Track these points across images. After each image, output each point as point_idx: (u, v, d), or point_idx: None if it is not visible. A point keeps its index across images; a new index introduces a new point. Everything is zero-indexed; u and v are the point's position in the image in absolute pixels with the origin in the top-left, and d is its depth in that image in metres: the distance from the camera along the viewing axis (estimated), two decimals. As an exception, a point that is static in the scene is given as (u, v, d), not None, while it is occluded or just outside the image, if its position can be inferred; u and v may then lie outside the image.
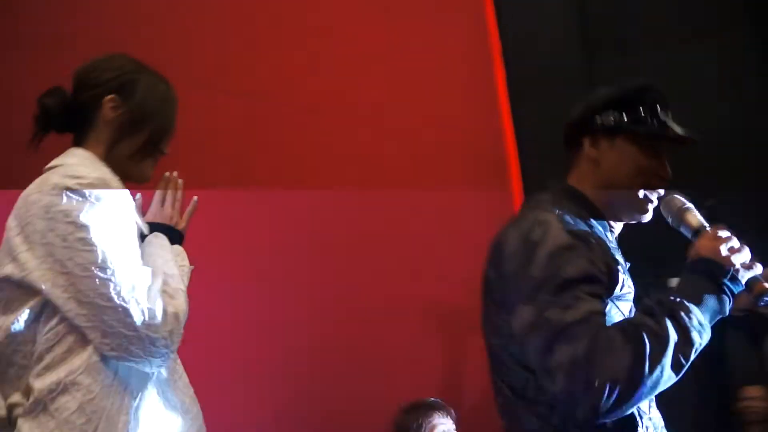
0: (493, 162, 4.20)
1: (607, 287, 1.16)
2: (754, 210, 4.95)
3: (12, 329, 1.05)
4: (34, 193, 1.10)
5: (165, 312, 1.07)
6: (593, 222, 1.32)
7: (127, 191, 1.21)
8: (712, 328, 1.15)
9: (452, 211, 3.22)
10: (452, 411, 2.52)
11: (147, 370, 1.10)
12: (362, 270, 2.88)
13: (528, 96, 4.71)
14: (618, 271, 1.21)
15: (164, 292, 1.10)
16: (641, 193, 1.34)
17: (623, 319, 1.17)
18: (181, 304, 1.12)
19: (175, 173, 1.39)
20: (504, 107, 4.49)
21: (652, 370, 1.04)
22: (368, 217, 2.96)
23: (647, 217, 1.38)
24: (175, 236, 1.32)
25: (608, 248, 1.25)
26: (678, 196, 1.36)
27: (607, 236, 1.33)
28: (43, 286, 1.03)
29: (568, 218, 1.22)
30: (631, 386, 1.04)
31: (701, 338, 1.11)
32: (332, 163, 3.01)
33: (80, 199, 1.06)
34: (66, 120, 1.24)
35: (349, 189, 2.97)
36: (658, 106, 1.38)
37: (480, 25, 4.49)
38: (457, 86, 4.07)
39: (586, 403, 1.04)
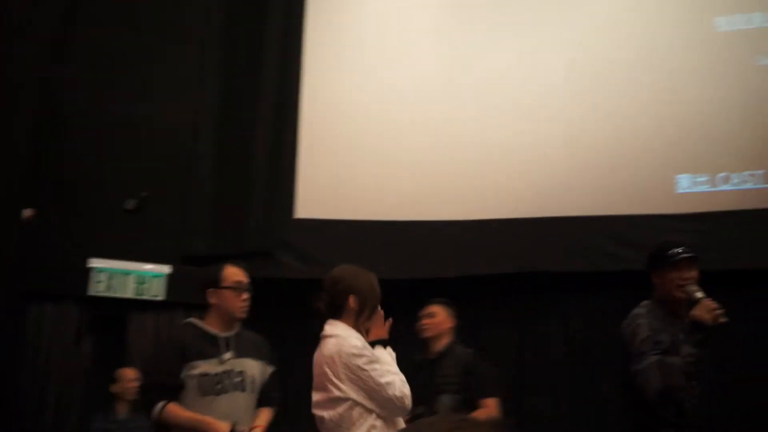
0: None
1: (666, 348, 2.67)
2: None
3: (339, 414, 2.34)
4: (335, 355, 2.37)
5: (406, 395, 2.38)
6: (667, 313, 2.82)
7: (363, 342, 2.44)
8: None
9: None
10: None
11: (400, 418, 2.45)
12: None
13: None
14: (670, 340, 2.70)
15: (403, 383, 2.39)
16: (681, 291, 2.78)
17: (660, 360, 2.65)
18: (408, 389, 2.39)
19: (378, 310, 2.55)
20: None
21: (671, 381, 2.62)
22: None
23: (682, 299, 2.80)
24: (384, 342, 2.51)
25: (668, 328, 2.75)
26: (692, 286, 2.76)
27: (673, 321, 2.79)
28: (354, 397, 2.34)
29: (651, 319, 2.77)
30: (666, 388, 2.62)
31: (694, 358, 2.64)
32: None
33: (360, 356, 2.35)
34: (331, 311, 2.51)
35: None
36: (674, 247, 2.85)
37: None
38: None
39: (652, 395, 2.63)
